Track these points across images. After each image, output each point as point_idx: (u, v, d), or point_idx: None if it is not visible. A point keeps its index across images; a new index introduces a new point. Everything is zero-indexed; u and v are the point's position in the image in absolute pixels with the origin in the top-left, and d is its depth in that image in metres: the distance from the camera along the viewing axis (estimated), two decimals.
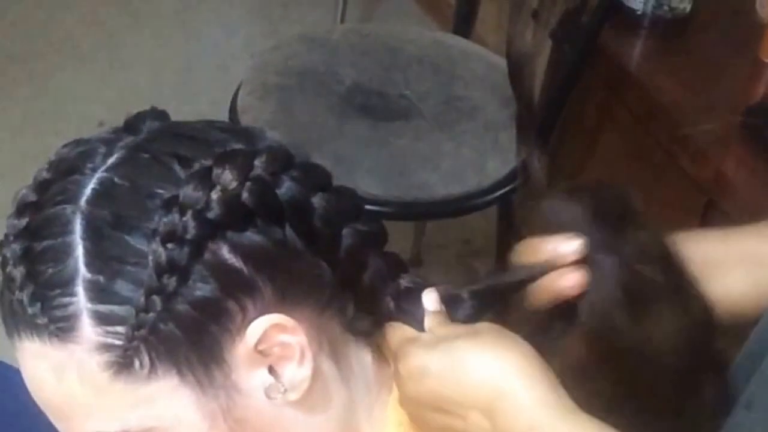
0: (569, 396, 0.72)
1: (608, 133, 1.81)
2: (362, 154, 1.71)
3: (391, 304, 0.78)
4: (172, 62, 2.92)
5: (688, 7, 1.79)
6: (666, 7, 1.77)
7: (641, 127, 1.70)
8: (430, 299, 0.80)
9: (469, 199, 1.70)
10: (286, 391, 0.71)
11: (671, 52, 1.77)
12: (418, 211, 1.77)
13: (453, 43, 2.02)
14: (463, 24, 2.22)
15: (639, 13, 1.77)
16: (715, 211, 1.55)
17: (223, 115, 1.82)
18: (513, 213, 1.84)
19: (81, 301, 0.67)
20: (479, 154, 1.74)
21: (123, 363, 0.68)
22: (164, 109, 0.77)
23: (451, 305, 0.79)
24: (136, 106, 0.77)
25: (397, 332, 0.78)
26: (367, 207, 1.60)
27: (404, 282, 0.79)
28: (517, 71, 1.72)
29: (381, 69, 1.90)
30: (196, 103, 2.68)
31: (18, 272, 0.68)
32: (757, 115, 1.57)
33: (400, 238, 2.32)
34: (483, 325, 0.76)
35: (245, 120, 1.76)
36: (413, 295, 0.79)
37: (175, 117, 0.77)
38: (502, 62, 1.80)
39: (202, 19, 3.11)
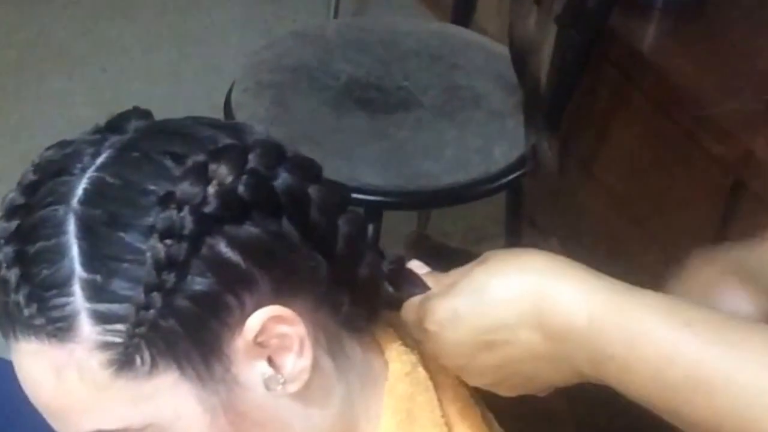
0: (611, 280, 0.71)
1: (621, 117, 1.80)
2: (362, 146, 1.70)
3: (390, 288, 0.80)
4: (164, 64, 2.94)
5: None
6: None
7: (657, 110, 1.69)
8: (417, 265, 0.82)
9: (475, 186, 1.68)
10: (285, 382, 0.72)
11: (687, 33, 1.76)
12: (421, 200, 1.75)
13: (452, 33, 2.00)
14: (463, 13, 2.19)
15: None
16: (743, 191, 1.54)
17: (219, 115, 1.79)
18: (522, 198, 1.82)
19: (78, 300, 0.68)
20: (485, 141, 1.72)
21: (124, 360, 0.68)
22: (160, 109, 0.77)
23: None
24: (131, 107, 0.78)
25: (408, 307, 0.79)
26: (369, 197, 1.63)
27: (386, 266, 0.80)
28: (520, 58, 1.72)
29: (377, 63, 1.88)
30: (191, 103, 2.67)
31: (12, 274, 0.68)
32: None
33: (403, 226, 2.31)
34: (488, 253, 0.76)
35: (240, 117, 1.75)
36: (401, 273, 0.81)
37: (170, 117, 0.77)
38: (504, 50, 1.84)
39: (194, 20, 3.12)
